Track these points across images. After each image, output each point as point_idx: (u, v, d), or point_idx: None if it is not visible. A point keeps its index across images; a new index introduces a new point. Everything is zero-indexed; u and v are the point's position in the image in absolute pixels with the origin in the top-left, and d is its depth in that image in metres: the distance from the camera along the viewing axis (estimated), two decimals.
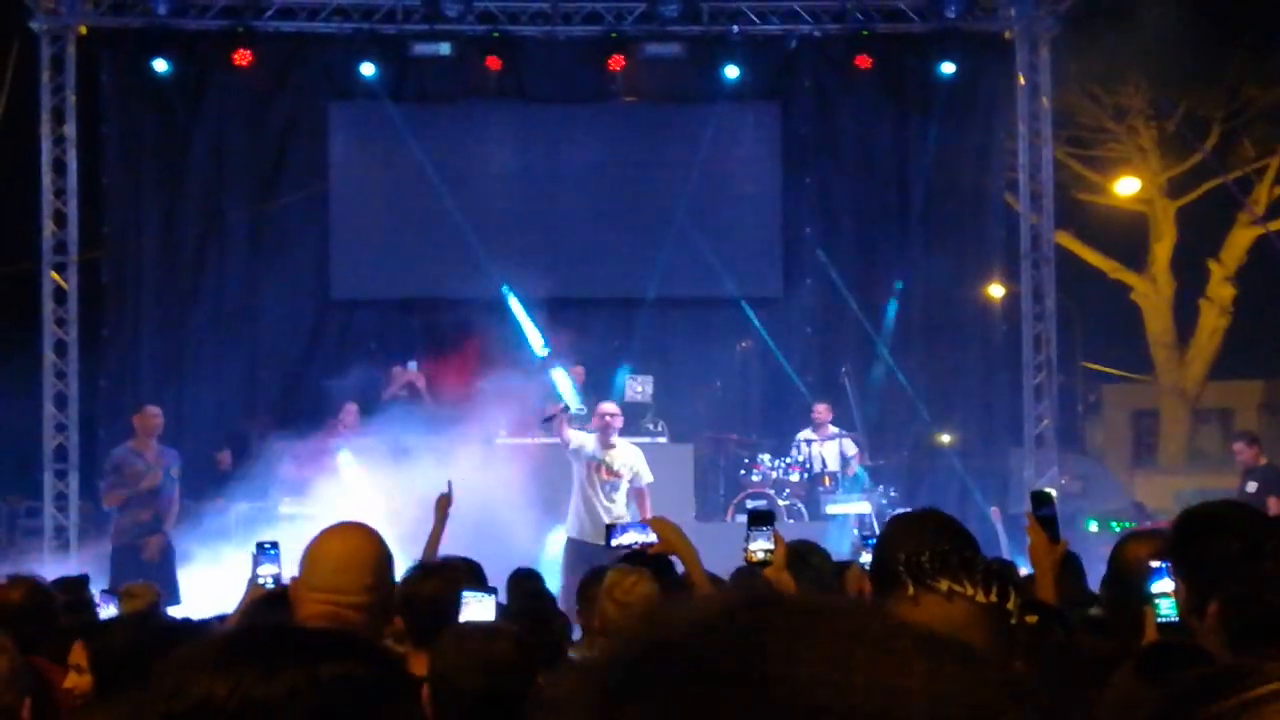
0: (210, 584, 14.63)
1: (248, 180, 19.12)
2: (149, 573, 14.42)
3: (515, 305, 18.75)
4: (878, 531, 15.72)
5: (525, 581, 8.13)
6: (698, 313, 19.31)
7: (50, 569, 13.07)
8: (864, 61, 18.90)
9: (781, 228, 19.55)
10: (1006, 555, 15.76)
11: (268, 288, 19.06)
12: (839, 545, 13.46)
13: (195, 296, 19.00)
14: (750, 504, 16.29)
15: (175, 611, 13.58)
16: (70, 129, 18.19)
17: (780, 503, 16.48)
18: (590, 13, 18.92)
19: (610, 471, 14.02)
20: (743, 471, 17.46)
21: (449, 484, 8.00)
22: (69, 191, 18.19)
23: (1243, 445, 16.94)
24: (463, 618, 5.24)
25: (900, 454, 18.75)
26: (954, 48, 18.86)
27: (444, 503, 7.83)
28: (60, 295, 18.15)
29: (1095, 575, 6.81)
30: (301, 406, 18.72)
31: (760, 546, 5.40)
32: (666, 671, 1.00)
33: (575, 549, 13.57)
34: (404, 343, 18.93)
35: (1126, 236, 30.23)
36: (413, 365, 17.94)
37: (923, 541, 3.70)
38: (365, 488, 14.74)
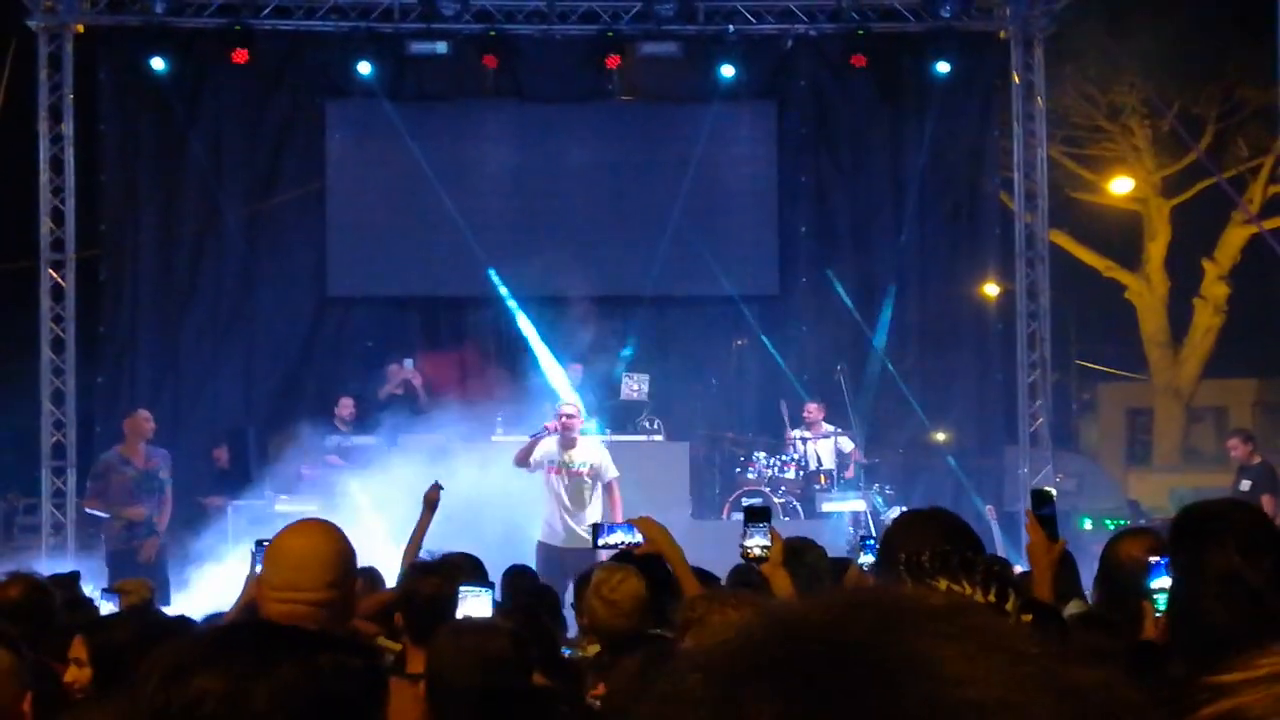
0: (208, 581, 14.70)
1: (245, 178, 19.14)
2: (147, 574, 14.53)
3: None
4: (873, 530, 15.84)
5: (520, 579, 8.17)
6: (694, 311, 19.34)
7: (48, 566, 13.11)
8: (859, 61, 18.92)
9: (777, 226, 19.57)
10: (1001, 553, 15.83)
11: (265, 285, 19.08)
12: (835, 543, 13.50)
13: (192, 294, 19.02)
14: (746, 502, 16.33)
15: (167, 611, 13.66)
16: (68, 127, 18.22)
17: (776, 500, 16.50)
18: (586, 12, 18.95)
19: (570, 472, 14.04)
20: (738, 469, 17.49)
21: (436, 482, 8.03)
22: (66, 189, 18.21)
23: (1237, 442, 16.96)
24: (459, 613, 5.28)
25: (895, 452, 18.76)
26: (949, 47, 18.88)
27: (431, 498, 7.85)
28: (58, 293, 18.17)
29: (1089, 573, 6.87)
30: (298, 404, 18.75)
31: (757, 543, 5.42)
32: (798, 662, 0.99)
33: (544, 553, 13.61)
34: (400, 340, 18.95)
35: (1121, 235, 30.28)
36: (409, 363, 17.97)
37: (928, 540, 3.73)
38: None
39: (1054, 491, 5.13)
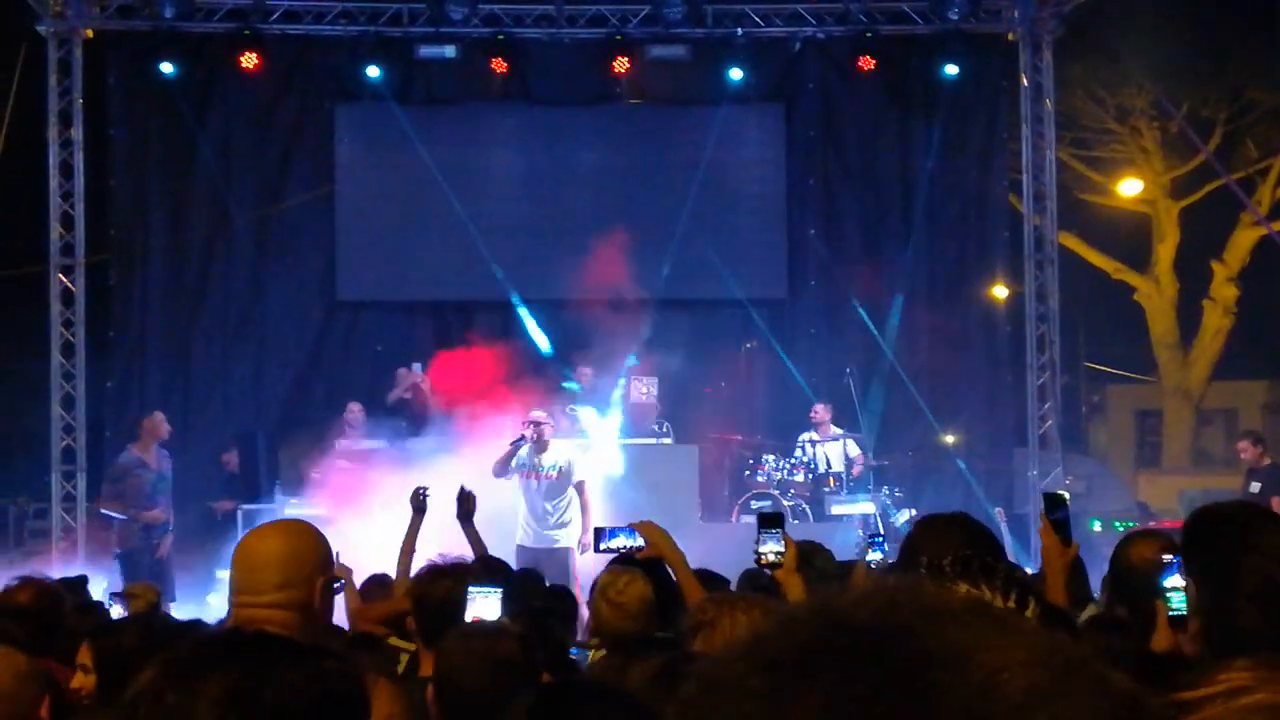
0: (217, 586, 14.71)
1: (254, 182, 19.17)
2: (157, 574, 14.64)
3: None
4: (883, 531, 15.83)
5: (527, 581, 8.18)
6: (703, 314, 19.35)
7: (58, 570, 13.14)
8: (867, 63, 18.94)
9: (786, 229, 19.58)
10: (1010, 556, 15.81)
11: (274, 290, 19.11)
12: (844, 546, 13.50)
13: (202, 298, 19.04)
14: (755, 505, 16.34)
15: (172, 609, 13.72)
16: (77, 132, 18.25)
17: (785, 503, 16.49)
18: (595, 15, 18.97)
19: (540, 475, 14.19)
20: (747, 473, 17.50)
21: (423, 488, 8.03)
22: (76, 194, 18.24)
23: (1247, 445, 16.96)
24: (469, 613, 5.29)
25: (904, 455, 18.75)
26: (957, 50, 18.87)
27: (418, 499, 7.86)
28: (68, 297, 18.19)
29: (1097, 575, 6.87)
30: (308, 408, 18.78)
31: (771, 549, 5.42)
32: (843, 651, 1.01)
33: (522, 555, 13.69)
34: (409, 345, 18.96)
35: (1130, 237, 30.24)
36: (417, 367, 17.97)
37: (949, 544, 3.72)
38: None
39: (1067, 495, 5.12)
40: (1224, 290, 29.83)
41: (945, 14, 18.66)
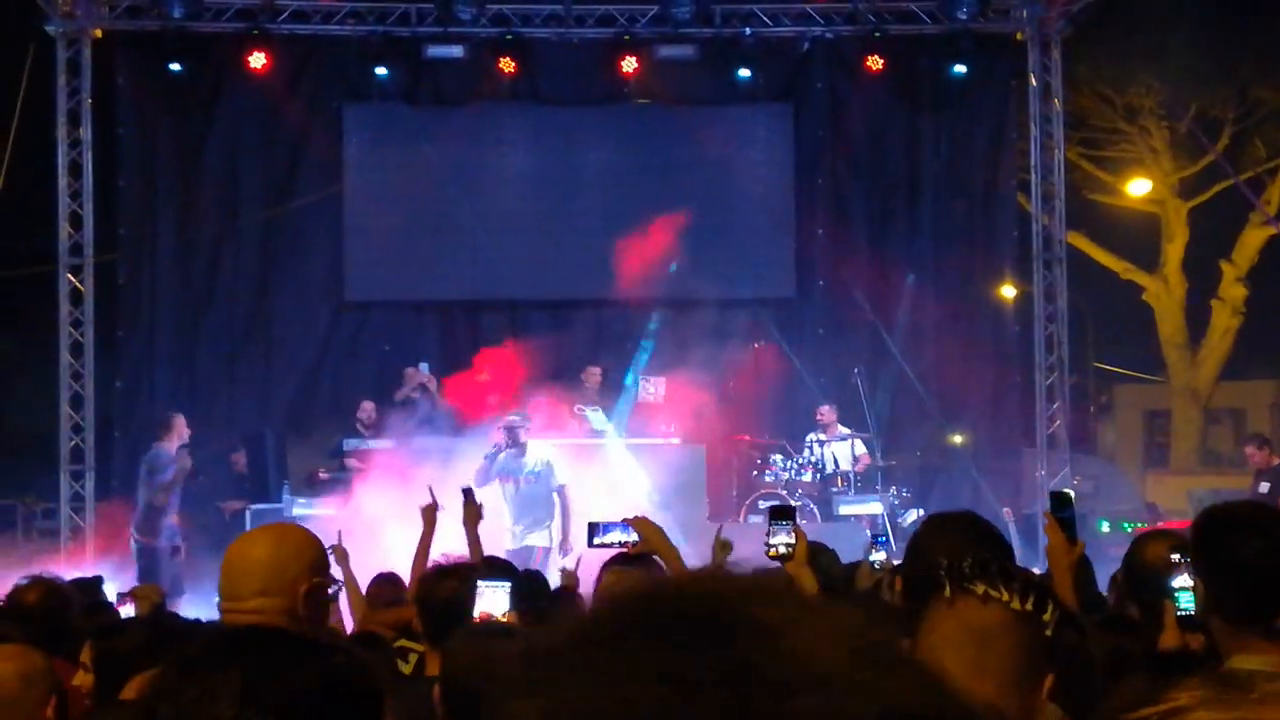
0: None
1: (262, 182, 19.18)
2: (178, 571, 14.82)
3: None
4: (890, 531, 15.81)
5: (530, 582, 8.18)
6: (710, 314, 19.31)
7: (67, 570, 13.15)
8: (876, 63, 18.93)
9: (794, 229, 19.58)
10: (1018, 556, 15.80)
11: (282, 289, 19.13)
12: (852, 546, 13.48)
13: (210, 298, 19.05)
14: (763, 505, 16.34)
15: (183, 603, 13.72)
16: (86, 132, 18.26)
17: (793, 503, 16.48)
18: (603, 15, 18.97)
19: (518, 479, 14.24)
20: (755, 472, 17.51)
21: (430, 490, 8.03)
22: (85, 194, 18.26)
23: (1253, 449, 16.96)
24: (478, 607, 5.30)
25: (913, 454, 18.76)
26: (966, 49, 18.86)
27: (430, 512, 7.84)
28: (76, 297, 18.21)
29: (1105, 575, 6.85)
30: (316, 408, 18.81)
31: (781, 541, 5.44)
32: (663, 625, 1.06)
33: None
34: (417, 344, 18.97)
35: (1138, 237, 30.21)
36: (424, 367, 17.98)
37: (958, 543, 3.72)
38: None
39: (1073, 494, 5.13)
40: (1233, 290, 29.79)
41: (954, 14, 18.64)
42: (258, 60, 18.46)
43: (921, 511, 16.52)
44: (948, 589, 2.64)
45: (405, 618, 6.36)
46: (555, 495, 14.49)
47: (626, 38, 18.82)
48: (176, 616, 9.32)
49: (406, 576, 7.84)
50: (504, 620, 5.32)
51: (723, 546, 6.88)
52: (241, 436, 17.91)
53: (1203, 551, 3.67)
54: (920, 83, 19.41)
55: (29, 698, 3.98)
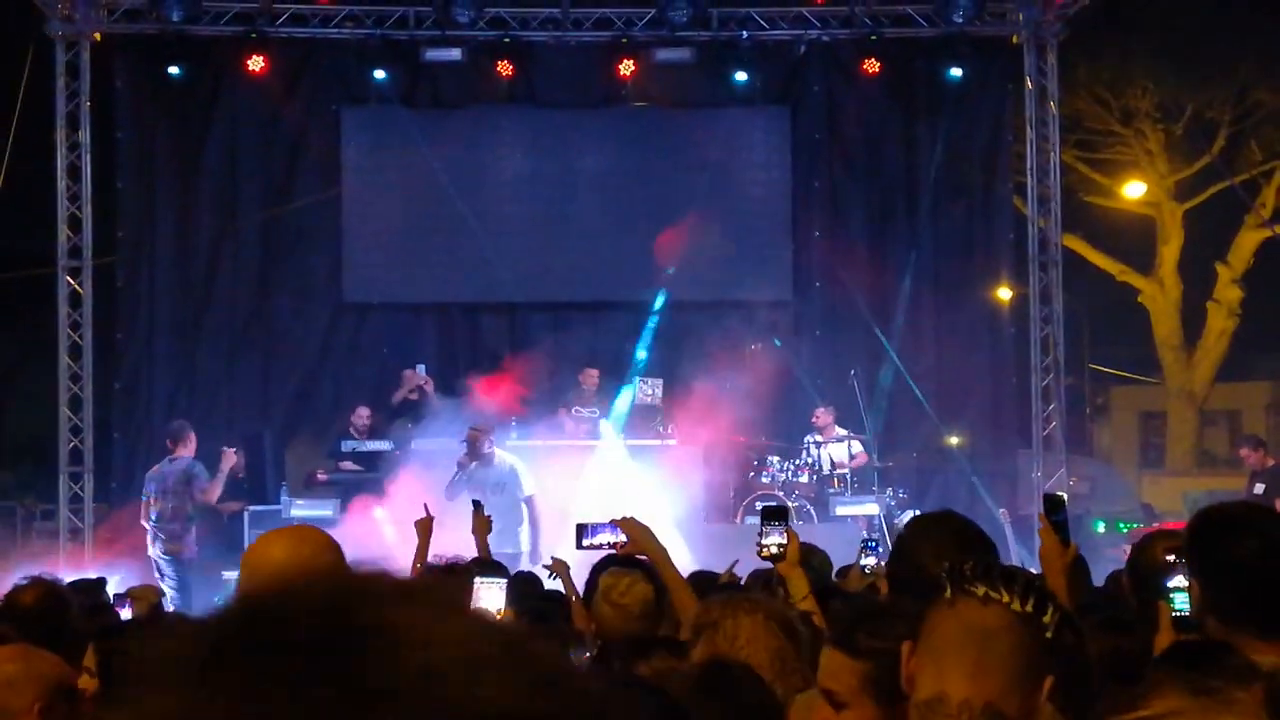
0: (226, 588, 14.75)
1: (261, 185, 19.18)
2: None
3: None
4: (886, 533, 15.84)
5: (525, 585, 8.21)
6: (708, 316, 19.33)
7: (65, 572, 13.16)
8: (872, 66, 18.95)
9: (791, 231, 19.60)
10: (1015, 557, 15.86)
11: (281, 291, 19.14)
12: (849, 547, 13.52)
13: (209, 300, 19.05)
14: (760, 506, 16.35)
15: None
16: (85, 135, 18.27)
17: (790, 505, 16.52)
18: (600, 18, 19.00)
19: (482, 491, 14.23)
20: (752, 474, 17.53)
21: (425, 506, 8.06)
22: (84, 197, 18.26)
23: (1248, 451, 17.06)
24: (473, 604, 5.35)
25: (909, 455, 18.78)
26: (962, 52, 18.89)
27: (424, 525, 7.85)
28: (75, 299, 18.21)
29: (1100, 576, 6.91)
30: (314, 410, 18.83)
31: (773, 541, 5.47)
32: (272, 636, 1.02)
33: None
34: (416, 347, 18.99)
35: (1134, 239, 30.25)
36: (421, 368, 18.00)
37: (943, 544, 3.76)
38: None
39: (1065, 496, 5.17)
40: (1228, 292, 29.84)
41: (950, 17, 18.66)
42: (256, 63, 18.46)
43: (917, 513, 16.52)
44: (949, 590, 2.66)
45: None
46: (523, 505, 14.50)
47: (624, 41, 18.84)
48: (175, 615, 9.34)
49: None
50: (499, 617, 5.36)
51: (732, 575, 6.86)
52: (240, 438, 17.91)
53: (1198, 552, 3.71)
54: (916, 86, 19.44)
55: (11, 706, 3.98)
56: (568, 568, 7.60)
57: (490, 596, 5.46)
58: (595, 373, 17.79)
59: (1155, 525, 18.07)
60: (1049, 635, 2.61)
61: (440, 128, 19.24)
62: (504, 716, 1.00)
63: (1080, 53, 21.96)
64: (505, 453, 14.79)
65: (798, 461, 17.49)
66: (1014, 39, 19.25)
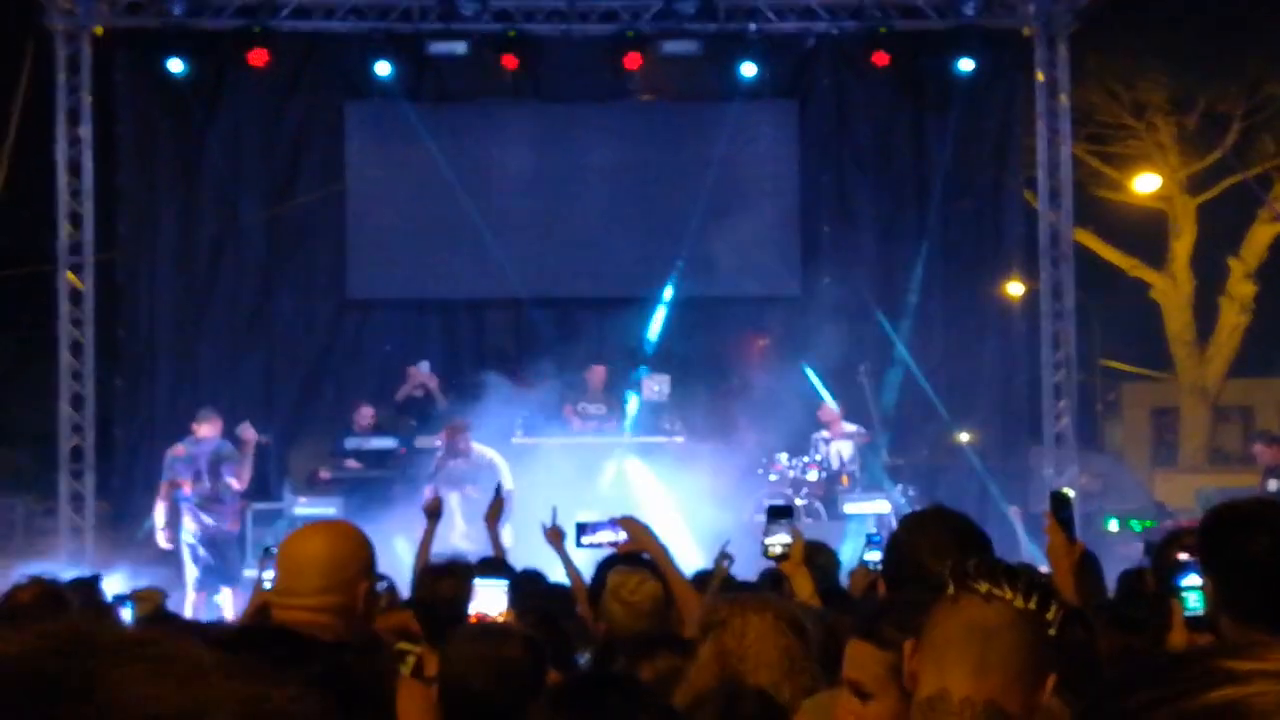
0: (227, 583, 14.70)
1: (264, 180, 19.11)
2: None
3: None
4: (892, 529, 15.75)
5: (531, 582, 8.11)
6: (716, 311, 19.26)
7: (66, 570, 13.07)
8: (882, 59, 18.82)
9: (799, 226, 19.52)
10: (1026, 554, 15.73)
11: (284, 288, 19.06)
12: (857, 544, 13.39)
13: (211, 297, 18.99)
14: (768, 503, 16.24)
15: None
16: (86, 130, 18.20)
17: (798, 502, 16.43)
18: (606, 10, 18.88)
19: (462, 489, 14.21)
20: (760, 470, 17.42)
21: (433, 490, 8.07)
22: (84, 192, 18.20)
23: (1262, 447, 16.95)
24: (474, 606, 5.28)
25: (919, 452, 18.70)
26: (972, 45, 18.77)
27: (433, 507, 7.87)
28: (76, 296, 18.15)
29: (1113, 573, 6.78)
30: (317, 406, 18.75)
31: (778, 541, 5.42)
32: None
33: None
34: (420, 343, 18.90)
35: (1146, 233, 30.15)
36: (425, 366, 17.92)
37: (939, 540, 3.70)
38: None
39: (1072, 494, 5.19)
40: (1241, 287, 29.73)
41: (960, 9, 18.56)
42: (259, 57, 18.35)
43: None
44: (951, 587, 2.63)
45: (405, 622, 6.31)
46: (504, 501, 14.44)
47: (630, 34, 18.71)
48: (179, 618, 9.26)
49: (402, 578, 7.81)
50: (501, 619, 5.30)
51: (724, 556, 6.90)
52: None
53: (1211, 550, 3.65)
54: (926, 79, 19.33)
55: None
56: (563, 536, 7.61)
57: (491, 598, 5.40)
58: (602, 369, 17.70)
59: (1170, 523, 17.95)
60: (1052, 633, 2.60)
61: (445, 122, 19.14)
62: None
63: (1091, 45, 21.79)
64: (484, 448, 14.71)
65: (806, 459, 17.38)
66: (1025, 31, 19.14)
